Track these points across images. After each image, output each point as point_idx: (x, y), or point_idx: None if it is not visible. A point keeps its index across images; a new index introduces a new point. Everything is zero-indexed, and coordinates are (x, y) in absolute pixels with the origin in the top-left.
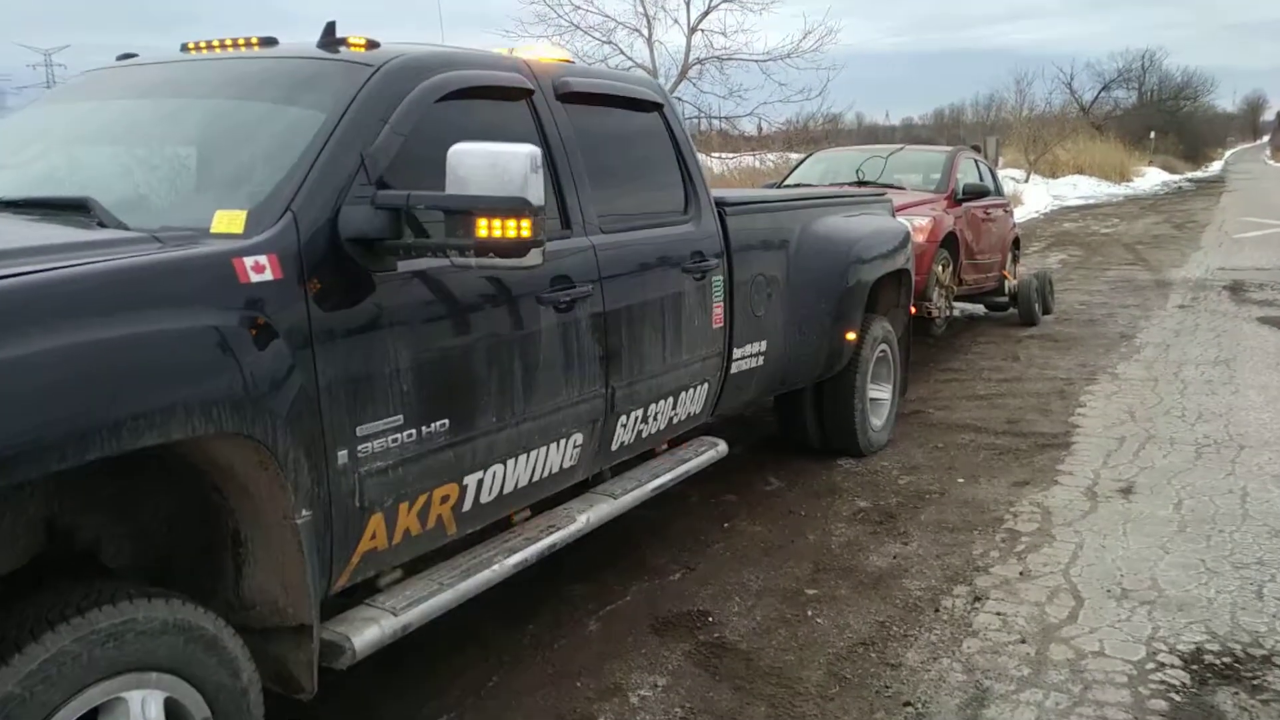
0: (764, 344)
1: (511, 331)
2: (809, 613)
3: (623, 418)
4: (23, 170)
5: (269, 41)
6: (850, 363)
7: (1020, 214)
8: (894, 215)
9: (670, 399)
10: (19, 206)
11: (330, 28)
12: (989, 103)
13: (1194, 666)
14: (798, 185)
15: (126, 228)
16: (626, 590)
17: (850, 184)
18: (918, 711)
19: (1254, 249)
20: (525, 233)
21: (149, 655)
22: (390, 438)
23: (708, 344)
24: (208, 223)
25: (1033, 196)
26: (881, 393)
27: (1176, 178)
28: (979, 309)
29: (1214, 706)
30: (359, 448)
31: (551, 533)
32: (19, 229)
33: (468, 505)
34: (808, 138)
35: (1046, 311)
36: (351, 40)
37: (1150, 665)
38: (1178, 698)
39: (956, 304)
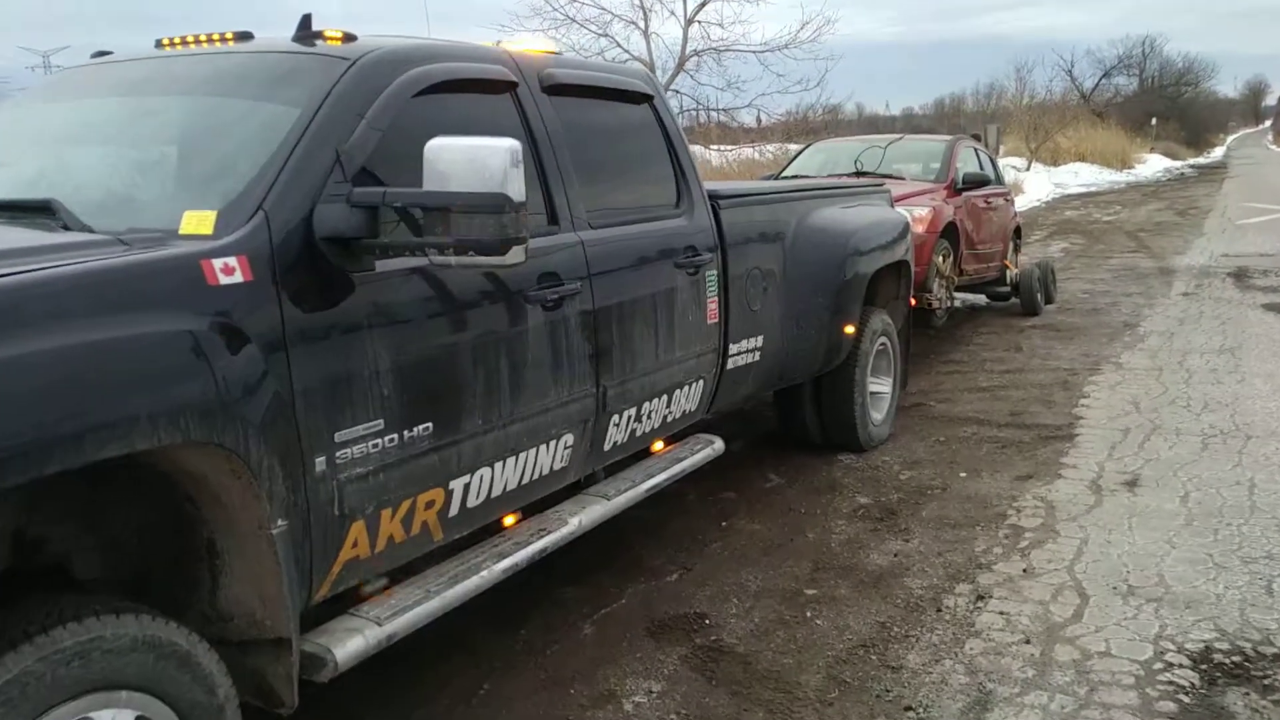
0: (760, 339)
1: (497, 331)
2: (808, 614)
3: (615, 417)
4: None
5: (244, 36)
6: (849, 356)
7: (1021, 202)
8: (892, 206)
9: (664, 397)
10: None
11: (306, 20)
12: (989, 91)
13: (1203, 666)
14: (795, 177)
15: (92, 230)
16: (621, 592)
17: (849, 174)
18: (919, 716)
19: (1257, 234)
20: (505, 230)
21: (118, 673)
22: (371, 443)
23: (702, 340)
24: (176, 224)
25: (1034, 184)
26: (882, 386)
27: (1178, 164)
28: (980, 299)
29: (1224, 708)
30: (338, 454)
31: (542, 536)
32: None
33: (454, 510)
34: (807, 129)
35: (1049, 301)
36: (328, 33)
37: (1158, 665)
38: (1186, 699)
39: (957, 294)
